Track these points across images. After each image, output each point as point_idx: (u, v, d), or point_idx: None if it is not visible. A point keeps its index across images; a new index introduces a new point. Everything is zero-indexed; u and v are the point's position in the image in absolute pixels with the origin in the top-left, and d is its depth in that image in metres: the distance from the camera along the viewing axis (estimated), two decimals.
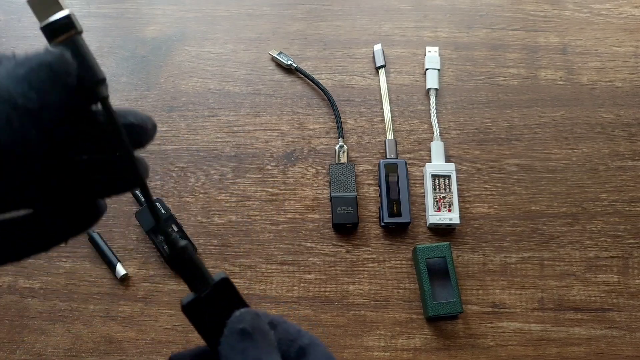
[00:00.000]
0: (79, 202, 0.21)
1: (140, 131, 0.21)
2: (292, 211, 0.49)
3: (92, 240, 0.47)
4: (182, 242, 0.22)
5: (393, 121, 0.53)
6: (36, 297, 0.46)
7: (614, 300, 0.46)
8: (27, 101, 0.16)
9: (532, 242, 0.48)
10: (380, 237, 0.48)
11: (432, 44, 0.57)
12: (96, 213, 0.21)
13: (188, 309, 0.22)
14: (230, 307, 0.22)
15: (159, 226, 0.22)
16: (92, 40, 0.57)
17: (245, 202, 0.49)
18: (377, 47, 0.56)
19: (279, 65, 0.56)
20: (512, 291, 0.46)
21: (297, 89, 0.55)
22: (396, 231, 0.49)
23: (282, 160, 0.51)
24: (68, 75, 0.17)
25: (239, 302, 0.23)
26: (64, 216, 0.20)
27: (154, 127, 0.21)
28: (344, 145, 0.51)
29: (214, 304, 0.22)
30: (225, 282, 0.23)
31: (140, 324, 0.45)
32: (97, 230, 0.47)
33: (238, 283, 0.46)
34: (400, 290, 0.46)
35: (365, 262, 0.47)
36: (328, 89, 0.54)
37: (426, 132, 0.53)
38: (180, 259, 0.22)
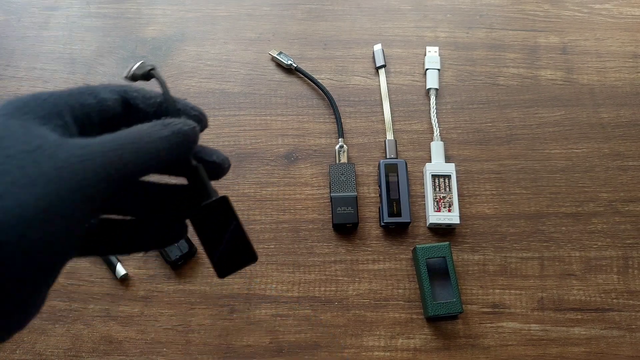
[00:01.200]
0: (166, 221, 0.27)
1: (219, 169, 0.27)
2: (292, 211, 0.49)
3: None
4: (194, 162, 0.26)
5: (393, 121, 0.53)
6: None
7: (614, 300, 0.46)
8: (166, 155, 0.23)
9: (532, 242, 0.48)
10: (380, 237, 0.48)
11: (432, 44, 0.57)
12: (179, 233, 0.27)
13: (193, 217, 0.27)
14: (226, 221, 0.27)
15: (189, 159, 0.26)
16: (92, 40, 0.57)
17: (245, 202, 0.49)
18: (377, 47, 0.56)
19: (279, 65, 0.56)
20: (512, 291, 0.46)
21: (297, 89, 0.55)
22: (396, 231, 0.49)
23: (282, 160, 0.51)
24: (193, 143, 0.25)
25: (233, 217, 0.27)
26: (153, 229, 0.27)
27: (229, 166, 0.28)
28: (344, 145, 0.51)
29: (213, 217, 0.27)
30: (224, 201, 0.27)
31: (140, 324, 0.45)
32: None
33: (238, 283, 0.46)
34: (400, 290, 0.46)
35: (365, 262, 0.47)
36: (328, 89, 0.54)
37: (426, 132, 0.53)
38: (194, 175, 0.27)
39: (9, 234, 0.17)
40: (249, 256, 0.28)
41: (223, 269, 0.28)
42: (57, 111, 0.22)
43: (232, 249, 0.28)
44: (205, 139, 0.51)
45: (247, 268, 0.47)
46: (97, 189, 0.20)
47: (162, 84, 0.27)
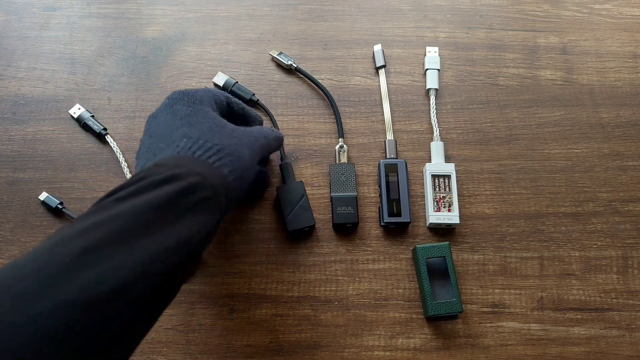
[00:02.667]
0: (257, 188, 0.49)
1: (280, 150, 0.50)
2: None
3: None
4: (286, 159, 0.49)
5: (393, 121, 0.53)
6: None
7: (614, 300, 0.46)
8: (274, 146, 0.44)
9: (532, 242, 0.48)
10: (380, 237, 0.48)
11: (432, 44, 0.57)
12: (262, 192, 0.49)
13: (278, 190, 0.47)
14: (299, 195, 0.47)
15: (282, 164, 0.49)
16: (93, 40, 0.57)
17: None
18: (377, 48, 0.56)
19: (279, 65, 0.56)
20: (512, 291, 0.47)
21: (297, 89, 0.55)
22: (396, 231, 0.49)
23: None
24: (281, 144, 0.46)
25: (304, 193, 0.47)
26: (254, 191, 0.48)
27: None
28: (344, 145, 0.51)
29: (292, 192, 0.47)
30: (301, 183, 0.48)
31: None
32: None
33: (238, 283, 0.47)
34: (400, 290, 0.47)
35: (365, 262, 0.47)
36: (328, 89, 0.54)
37: (426, 132, 0.53)
38: (284, 168, 0.49)
39: (247, 169, 0.36)
40: (309, 220, 0.46)
41: (292, 225, 0.46)
42: (213, 105, 0.39)
43: (299, 215, 0.46)
44: None
45: (247, 268, 0.47)
46: (259, 155, 0.39)
47: (268, 111, 0.52)
